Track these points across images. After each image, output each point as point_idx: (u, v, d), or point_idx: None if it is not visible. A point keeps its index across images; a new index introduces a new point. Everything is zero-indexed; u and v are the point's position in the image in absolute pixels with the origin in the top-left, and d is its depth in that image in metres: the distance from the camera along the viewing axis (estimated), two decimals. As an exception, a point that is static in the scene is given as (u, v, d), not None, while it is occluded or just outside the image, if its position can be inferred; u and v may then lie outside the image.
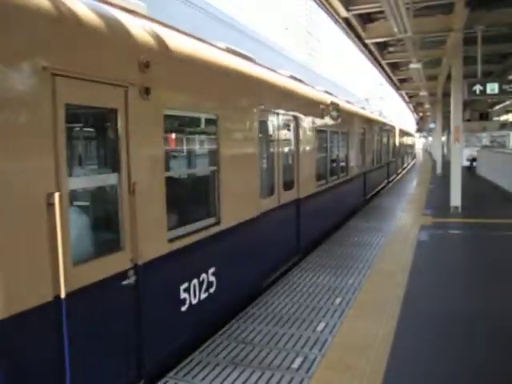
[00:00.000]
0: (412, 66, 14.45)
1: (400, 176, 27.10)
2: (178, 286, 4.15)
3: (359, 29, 12.83)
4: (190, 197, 5.34)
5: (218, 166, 4.92)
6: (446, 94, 18.05)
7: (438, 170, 25.93)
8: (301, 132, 7.72)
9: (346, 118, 11.31)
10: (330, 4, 10.75)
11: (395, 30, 9.55)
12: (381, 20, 12.96)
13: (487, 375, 3.93)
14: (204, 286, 4.57)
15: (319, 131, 8.98)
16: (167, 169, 4.21)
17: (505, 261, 7.51)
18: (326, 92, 10.60)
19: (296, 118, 7.55)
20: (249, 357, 4.24)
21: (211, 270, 4.70)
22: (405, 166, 34.83)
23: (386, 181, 20.83)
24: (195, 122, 5.17)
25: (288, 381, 3.80)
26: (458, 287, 6.22)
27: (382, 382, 3.74)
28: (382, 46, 16.57)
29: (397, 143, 26.47)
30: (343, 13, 11.37)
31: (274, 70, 7.33)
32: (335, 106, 10.19)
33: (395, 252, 8.07)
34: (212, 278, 4.72)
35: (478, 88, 11.73)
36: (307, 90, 8.81)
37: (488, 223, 10.64)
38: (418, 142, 70.79)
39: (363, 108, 17.04)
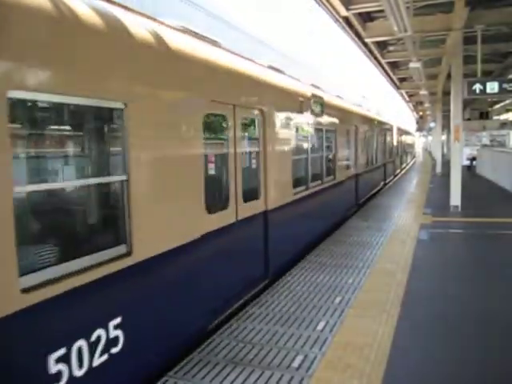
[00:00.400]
0: (412, 65, 14.45)
1: (399, 177, 27.01)
2: (43, 356, 2.81)
3: (359, 28, 12.85)
4: (75, 220, 3.77)
5: (127, 175, 3.57)
6: (446, 93, 18.08)
7: (438, 169, 25.96)
8: (269, 129, 6.43)
9: (333, 113, 10.19)
10: (330, 3, 10.78)
11: (395, 29, 9.55)
12: (381, 19, 12.99)
13: (488, 375, 3.92)
14: (100, 347, 3.24)
15: (297, 128, 7.79)
16: (26, 181, 2.95)
17: (505, 260, 7.50)
18: (313, 85, 9.32)
19: (263, 113, 6.26)
20: (248, 356, 4.24)
21: (114, 322, 3.38)
22: (404, 166, 34.49)
23: (382, 183, 20.31)
24: (82, 111, 3.53)
25: (288, 380, 3.79)
26: (458, 286, 6.21)
27: (381, 382, 3.74)
28: (382, 45, 16.59)
29: (395, 142, 26.17)
30: (343, 12, 11.41)
31: (247, 59, 6.37)
32: (318, 100, 8.89)
33: (395, 251, 8.07)
34: (116, 333, 3.39)
35: (477, 87, 11.74)
36: (280, 79, 7.41)
37: (488, 222, 10.64)
38: (418, 142, 70.82)
39: (359, 105, 16.53)
